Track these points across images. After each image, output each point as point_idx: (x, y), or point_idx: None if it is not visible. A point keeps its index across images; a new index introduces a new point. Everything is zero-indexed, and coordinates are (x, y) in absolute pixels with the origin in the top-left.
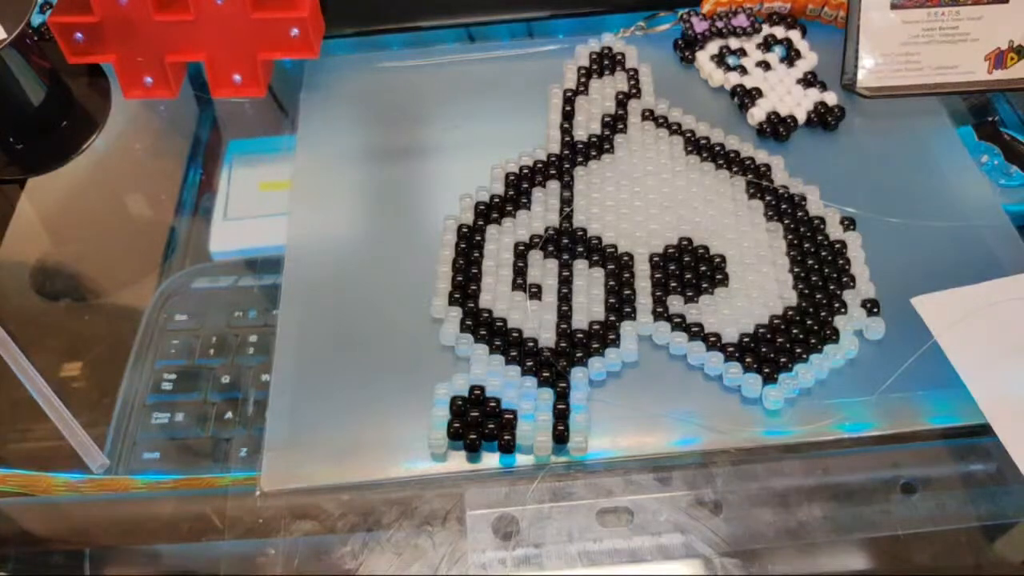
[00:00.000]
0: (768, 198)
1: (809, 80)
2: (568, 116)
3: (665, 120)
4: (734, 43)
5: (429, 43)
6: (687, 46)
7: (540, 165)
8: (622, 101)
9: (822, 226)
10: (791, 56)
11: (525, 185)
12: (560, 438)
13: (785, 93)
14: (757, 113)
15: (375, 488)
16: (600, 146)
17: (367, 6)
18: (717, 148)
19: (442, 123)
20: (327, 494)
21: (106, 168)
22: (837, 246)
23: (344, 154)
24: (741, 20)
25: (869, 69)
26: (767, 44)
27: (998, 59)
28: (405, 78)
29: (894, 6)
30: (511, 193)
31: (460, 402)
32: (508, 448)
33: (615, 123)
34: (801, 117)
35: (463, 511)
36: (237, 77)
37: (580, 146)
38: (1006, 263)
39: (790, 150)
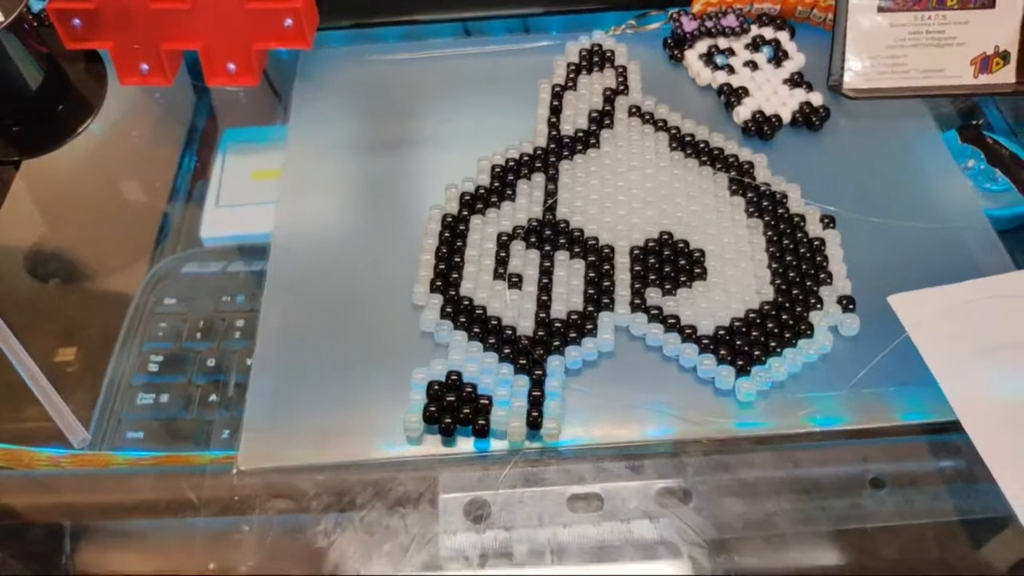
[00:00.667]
0: (750, 195)
1: (796, 80)
2: (556, 111)
3: (651, 116)
4: (723, 43)
5: (424, 37)
6: (676, 45)
7: (526, 158)
8: (609, 97)
9: (802, 223)
10: (779, 56)
11: (511, 177)
12: (533, 424)
13: (771, 93)
14: (743, 112)
15: (350, 469)
16: (586, 140)
17: None
18: (701, 145)
19: (433, 116)
20: (303, 474)
21: (102, 153)
22: (816, 243)
23: (335, 144)
24: (730, 20)
25: (855, 71)
26: (755, 44)
27: (984, 63)
28: (398, 71)
29: (881, 9)
30: (496, 185)
31: (437, 387)
32: (482, 433)
33: (602, 118)
34: (786, 117)
35: (436, 494)
36: (231, 66)
37: (566, 140)
38: (985, 265)
39: (774, 149)
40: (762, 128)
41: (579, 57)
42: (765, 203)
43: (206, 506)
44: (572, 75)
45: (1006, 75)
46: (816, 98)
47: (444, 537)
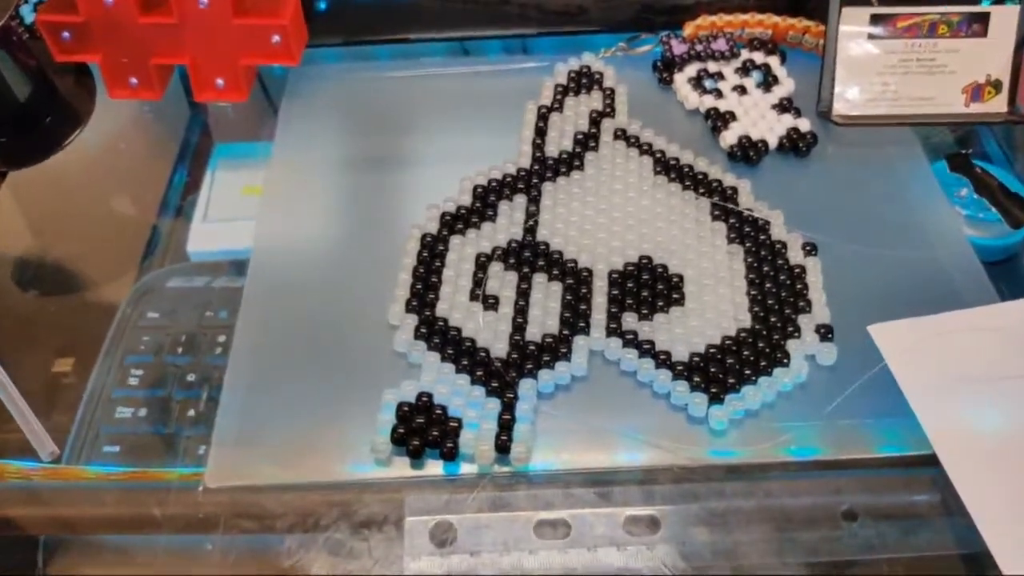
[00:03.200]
0: (732, 220)
1: (784, 106)
2: (541, 132)
3: (636, 140)
4: (712, 66)
5: (416, 56)
6: (666, 68)
7: (509, 179)
8: (595, 120)
9: (783, 250)
10: (768, 81)
11: (492, 198)
12: (502, 448)
13: (759, 117)
14: (729, 136)
15: (317, 489)
16: (570, 163)
17: (357, 17)
18: (686, 169)
19: (420, 134)
20: (270, 493)
21: (91, 166)
22: (796, 271)
23: (319, 161)
24: (720, 44)
25: (845, 98)
26: (745, 69)
27: (975, 92)
28: (387, 89)
29: (872, 36)
30: (477, 205)
31: (406, 408)
32: (450, 455)
33: (587, 141)
34: (773, 142)
35: (402, 516)
36: (220, 81)
37: (550, 162)
38: (968, 296)
39: (760, 174)
40: (748, 153)
41: (567, 79)
42: (747, 229)
43: (170, 523)
44: (559, 96)
45: (998, 104)
46: (804, 124)
47: (408, 560)
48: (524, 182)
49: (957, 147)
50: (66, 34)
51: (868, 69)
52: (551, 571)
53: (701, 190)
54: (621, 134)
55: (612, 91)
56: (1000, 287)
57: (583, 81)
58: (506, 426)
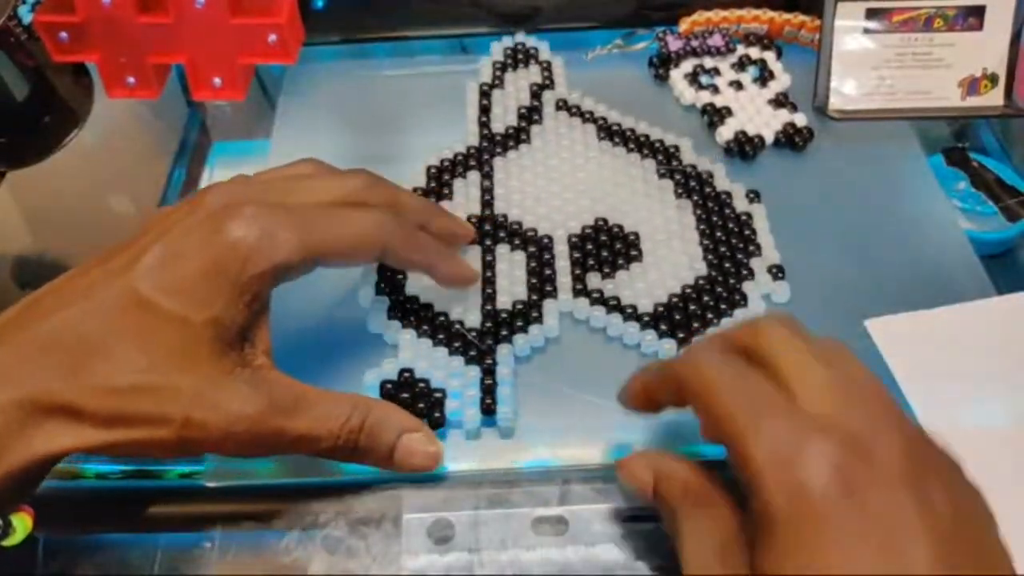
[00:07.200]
0: (677, 177)
1: (780, 101)
2: (485, 110)
3: (578, 109)
4: (708, 62)
5: (413, 53)
6: (662, 64)
7: (460, 157)
8: (536, 93)
9: (729, 200)
10: (764, 77)
11: (447, 177)
12: (488, 410)
13: (755, 113)
14: (725, 132)
15: (315, 486)
16: (517, 137)
17: (354, 15)
18: (628, 133)
19: (417, 131)
20: (268, 490)
21: (91, 166)
22: (744, 217)
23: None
24: (716, 40)
25: (841, 92)
26: (742, 64)
27: (971, 86)
28: (385, 86)
29: (867, 30)
30: (433, 185)
31: (390, 385)
32: (438, 425)
33: (531, 114)
34: (769, 137)
35: (399, 513)
36: (217, 80)
37: (498, 137)
38: (965, 290)
39: (757, 169)
40: (744, 148)
41: (503, 55)
42: (692, 183)
43: (170, 522)
44: (498, 73)
45: (994, 97)
46: (800, 119)
47: (407, 558)
48: (475, 159)
49: (954, 141)
50: (64, 34)
51: (864, 63)
52: (549, 568)
53: (645, 151)
54: (563, 104)
55: (549, 64)
56: (997, 281)
57: (519, 57)
58: (489, 390)
